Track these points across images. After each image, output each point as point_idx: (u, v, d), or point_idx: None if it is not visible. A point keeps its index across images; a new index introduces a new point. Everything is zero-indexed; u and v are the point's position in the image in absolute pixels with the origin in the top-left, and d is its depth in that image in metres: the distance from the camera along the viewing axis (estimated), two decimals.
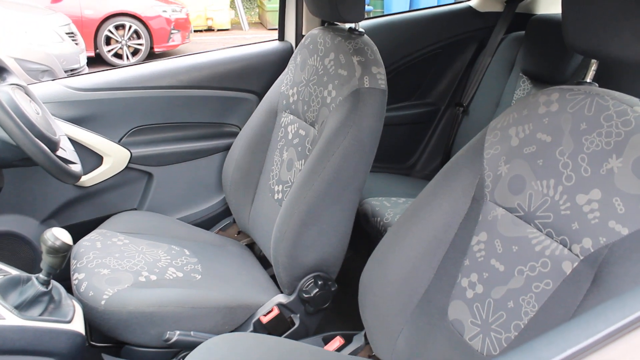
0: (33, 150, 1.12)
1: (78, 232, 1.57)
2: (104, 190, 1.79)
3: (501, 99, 2.01)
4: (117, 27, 7.63)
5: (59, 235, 1.04)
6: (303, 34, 1.90)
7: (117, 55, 7.70)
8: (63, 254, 1.05)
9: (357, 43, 1.46)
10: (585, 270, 0.91)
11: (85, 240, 1.52)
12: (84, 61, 5.95)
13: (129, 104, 1.76)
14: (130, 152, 1.78)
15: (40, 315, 1.05)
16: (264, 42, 1.99)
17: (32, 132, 1.16)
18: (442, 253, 1.14)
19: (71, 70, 5.61)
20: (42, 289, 1.06)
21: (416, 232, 1.17)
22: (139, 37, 7.76)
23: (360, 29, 1.52)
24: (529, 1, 2.13)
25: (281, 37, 2.00)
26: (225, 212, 1.96)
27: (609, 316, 0.50)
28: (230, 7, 11.48)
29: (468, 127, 2.13)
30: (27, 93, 1.34)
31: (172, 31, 7.97)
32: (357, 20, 1.49)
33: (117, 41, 7.65)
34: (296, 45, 1.92)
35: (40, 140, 1.18)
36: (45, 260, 1.05)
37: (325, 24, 1.68)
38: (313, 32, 1.64)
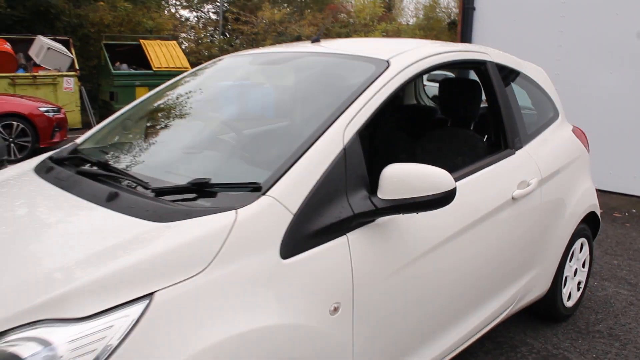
0: None
1: None
2: None
3: None
4: (4, 127, 8.47)
5: None
6: None
7: None
8: None
9: None
10: None
11: None
12: None
13: None
14: None
15: None
16: None
17: None
18: None
19: None
20: None
21: None
22: (25, 135, 8.66)
23: None
24: None
25: None
26: None
27: None
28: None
29: None
30: None
31: (55, 129, 9.01)
32: None
33: (5, 139, 8.44)
34: None
35: None
36: None
37: None
38: None
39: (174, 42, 14.89)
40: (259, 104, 2.58)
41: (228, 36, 22.02)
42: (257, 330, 1.50)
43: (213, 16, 24.12)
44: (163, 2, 21.63)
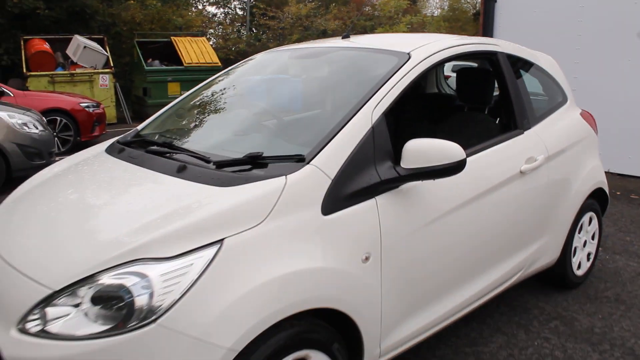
0: None
1: None
2: None
3: None
4: (48, 122, 8.98)
5: None
6: None
7: None
8: None
9: None
10: None
11: None
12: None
13: None
14: None
15: None
16: None
17: None
18: None
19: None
20: None
21: None
22: (67, 129, 9.18)
23: None
24: None
25: None
26: None
27: None
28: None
29: None
30: None
31: (95, 123, 9.53)
32: None
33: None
34: None
35: None
36: None
37: None
38: None
39: (204, 38, 15.37)
40: (297, 93, 2.95)
41: (254, 31, 22.46)
42: (304, 270, 1.88)
43: (239, 12, 24.59)
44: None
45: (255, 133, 2.67)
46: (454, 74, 4.95)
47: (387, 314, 2.20)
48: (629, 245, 4.54)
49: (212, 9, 24.99)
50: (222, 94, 3.17)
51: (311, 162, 2.02)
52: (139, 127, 3.06)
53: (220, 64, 14.40)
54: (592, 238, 3.77)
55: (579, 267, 3.64)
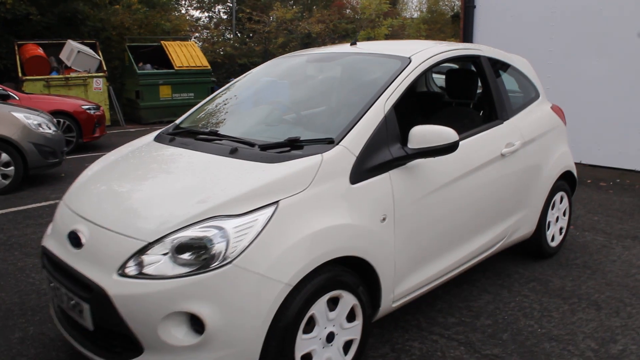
0: None
1: None
2: None
3: None
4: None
5: None
6: None
7: None
8: None
9: None
10: None
11: None
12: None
13: None
14: None
15: None
16: None
17: None
18: None
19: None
20: None
21: None
22: (70, 131, 9.59)
23: None
24: None
25: None
26: None
27: None
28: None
29: None
30: None
31: (96, 125, 9.96)
32: None
33: None
34: None
35: None
36: None
37: None
38: None
39: (193, 42, 15.84)
40: (317, 90, 3.49)
41: (239, 35, 22.94)
42: (337, 226, 2.42)
43: (224, 16, 25.04)
44: (174, 3, 22.58)
45: (280, 124, 3.21)
46: (437, 76, 5.55)
47: (399, 265, 2.76)
48: (596, 224, 5.17)
49: (195, 13, 25.43)
50: (247, 92, 3.71)
51: (340, 143, 2.57)
52: (177, 121, 3.57)
53: (210, 67, 14.88)
54: (564, 215, 4.37)
55: (552, 239, 4.24)
